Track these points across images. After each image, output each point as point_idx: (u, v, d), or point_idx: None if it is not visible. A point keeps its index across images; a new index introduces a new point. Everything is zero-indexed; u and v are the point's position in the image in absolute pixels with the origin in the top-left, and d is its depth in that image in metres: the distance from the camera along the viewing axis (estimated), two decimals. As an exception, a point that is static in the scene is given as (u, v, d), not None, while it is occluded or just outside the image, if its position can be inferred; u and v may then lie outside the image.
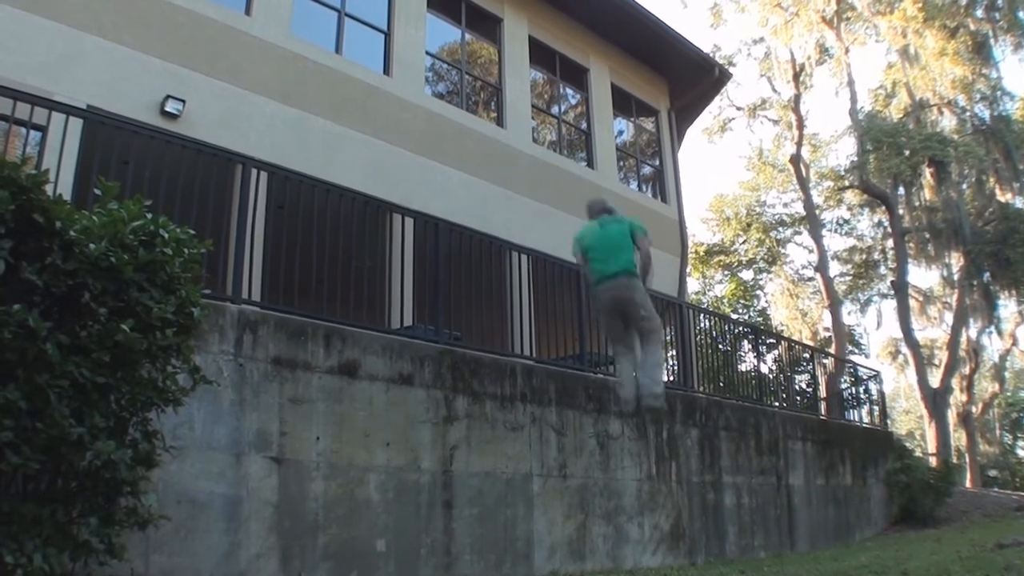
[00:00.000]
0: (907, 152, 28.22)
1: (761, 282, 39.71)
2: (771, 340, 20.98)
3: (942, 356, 33.00)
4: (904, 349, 34.77)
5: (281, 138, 11.28)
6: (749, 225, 38.57)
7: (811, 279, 38.03)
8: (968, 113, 30.80)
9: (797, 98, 32.98)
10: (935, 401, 29.46)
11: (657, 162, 19.30)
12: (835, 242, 53.56)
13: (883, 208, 32.49)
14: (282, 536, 6.52)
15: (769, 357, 19.69)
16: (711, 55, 25.08)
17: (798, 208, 37.00)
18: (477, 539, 7.94)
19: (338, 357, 7.28)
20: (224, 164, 8.10)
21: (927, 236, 30.57)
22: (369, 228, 8.90)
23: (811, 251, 36.50)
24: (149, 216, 4.76)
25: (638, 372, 7.77)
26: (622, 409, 8.56)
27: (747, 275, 39.43)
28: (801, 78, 32.96)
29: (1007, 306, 32.11)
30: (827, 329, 35.20)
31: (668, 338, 14.58)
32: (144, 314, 4.51)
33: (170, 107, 10.15)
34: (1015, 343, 37.07)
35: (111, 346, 4.34)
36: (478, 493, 8.07)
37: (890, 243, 33.58)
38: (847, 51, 31.78)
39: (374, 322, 8.80)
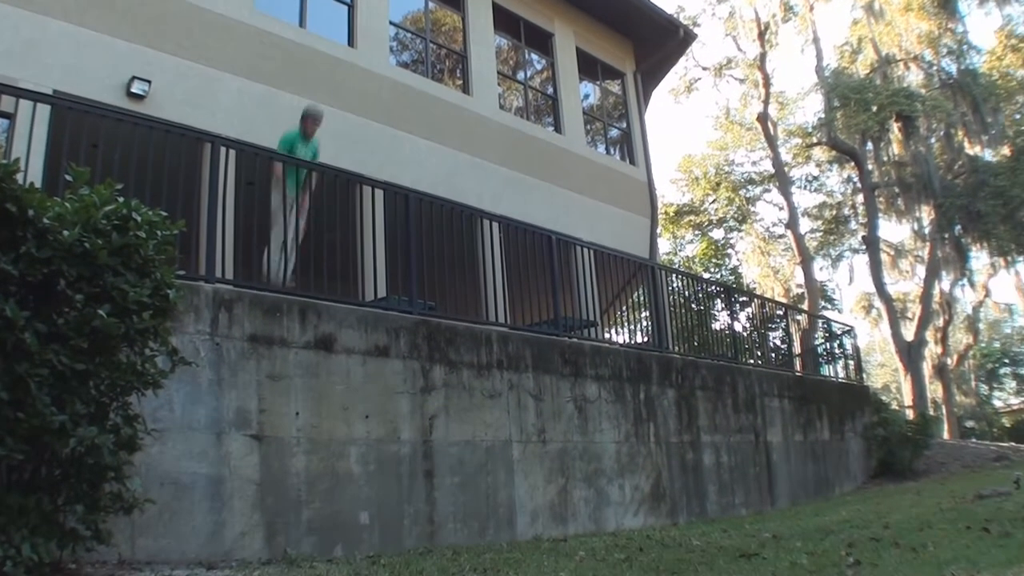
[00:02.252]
0: (874, 108, 28.40)
1: (732, 241, 40.04)
2: (744, 298, 21.12)
3: (915, 309, 33.42)
4: (877, 303, 35.15)
5: (249, 114, 11.22)
6: (718, 184, 38.71)
7: (782, 236, 38.32)
8: (935, 67, 31.01)
9: (763, 56, 33.04)
10: (910, 354, 29.83)
11: (624, 124, 19.30)
12: (805, 199, 54.01)
13: (852, 164, 32.73)
14: (266, 513, 6.56)
15: (743, 315, 19.83)
16: (675, 16, 25.08)
17: (767, 166, 37.23)
18: (459, 507, 8.01)
19: (314, 332, 7.30)
20: (193, 143, 8.03)
21: (897, 191, 30.84)
22: (339, 201, 8.91)
23: (781, 208, 36.86)
24: (121, 200, 4.75)
25: None
26: None
27: (718, 234, 39.71)
28: (766, 36, 33.00)
29: (979, 258, 32.53)
30: (800, 286, 35.55)
31: (640, 299, 14.69)
32: (120, 298, 4.51)
33: (136, 88, 10.06)
34: (988, 294, 37.56)
35: (89, 332, 4.35)
36: (458, 462, 8.14)
37: (860, 198, 33.86)
38: (812, 8, 31.89)
39: (348, 295, 8.82)
